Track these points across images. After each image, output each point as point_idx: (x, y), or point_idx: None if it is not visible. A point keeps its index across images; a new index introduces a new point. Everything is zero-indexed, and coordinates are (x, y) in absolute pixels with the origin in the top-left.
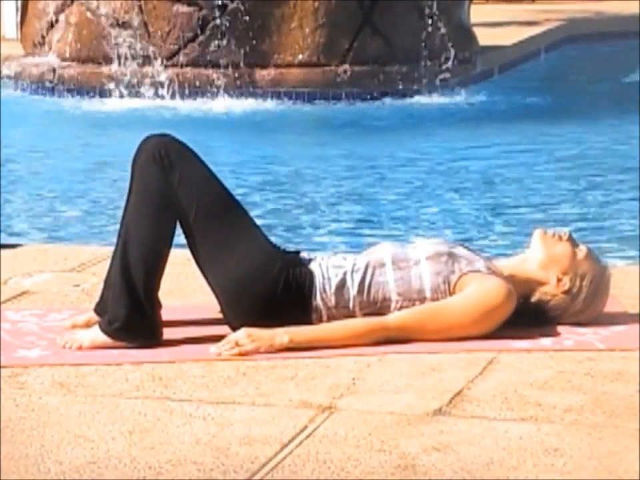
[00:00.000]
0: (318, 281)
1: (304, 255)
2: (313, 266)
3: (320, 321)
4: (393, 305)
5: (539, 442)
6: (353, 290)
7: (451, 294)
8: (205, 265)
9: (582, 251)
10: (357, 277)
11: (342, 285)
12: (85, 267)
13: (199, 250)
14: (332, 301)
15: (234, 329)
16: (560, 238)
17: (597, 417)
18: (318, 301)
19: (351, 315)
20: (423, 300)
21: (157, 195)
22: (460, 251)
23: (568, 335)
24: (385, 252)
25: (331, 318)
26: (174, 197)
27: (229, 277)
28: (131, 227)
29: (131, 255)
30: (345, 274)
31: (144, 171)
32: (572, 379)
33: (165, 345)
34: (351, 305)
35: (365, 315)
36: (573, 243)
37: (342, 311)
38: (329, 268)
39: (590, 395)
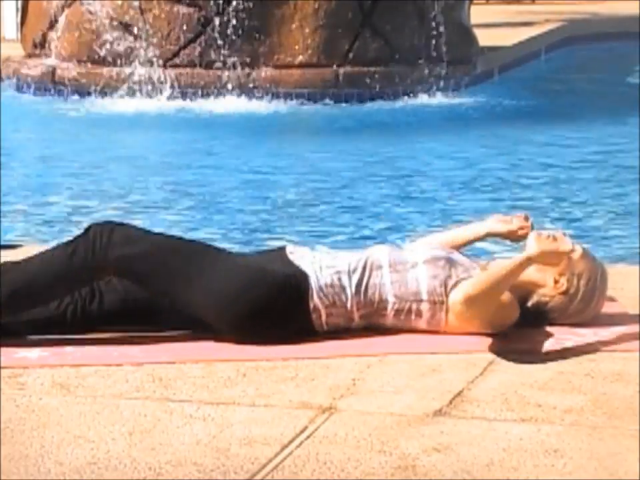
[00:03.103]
0: (313, 281)
1: (290, 248)
2: (305, 266)
3: (320, 319)
4: (389, 307)
5: (539, 443)
6: (350, 290)
7: (447, 297)
8: (184, 300)
9: (577, 251)
10: (355, 278)
11: (339, 284)
12: None
13: (175, 298)
14: (330, 299)
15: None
16: (555, 239)
17: (597, 418)
18: (315, 300)
19: (349, 315)
20: (419, 302)
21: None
22: (457, 256)
23: (568, 335)
24: (382, 254)
25: (329, 316)
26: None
27: (214, 297)
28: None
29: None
30: (340, 273)
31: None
32: (572, 379)
33: (165, 346)
34: (348, 304)
35: (362, 315)
36: None
37: (340, 310)
38: (322, 268)
39: (590, 396)
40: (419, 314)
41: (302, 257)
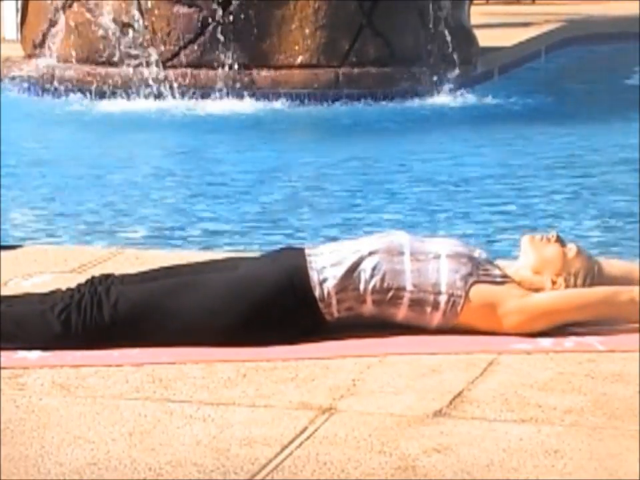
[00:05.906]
0: (315, 272)
1: (308, 250)
2: (317, 259)
3: (329, 307)
4: (405, 296)
5: (539, 443)
6: (365, 273)
7: (466, 293)
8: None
9: (571, 249)
10: (373, 260)
11: (355, 267)
12: (85, 268)
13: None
14: (342, 283)
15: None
16: (548, 240)
17: (597, 419)
18: (324, 288)
19: (362, 298)
20: (437, 294)
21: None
22: (479, 256)
23: (568, 336)
24: (404, 241)
25: (341, 302)
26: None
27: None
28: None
29: None
30: (360, 257)
31: None
32: (572, 380)
33: (165, 346)
34: (361, 287)
35: (375, 300)
36: (562, 243)
37: (352, 293)
38: (343, 253)
39: (590, 397)
40: (435, 306)
41: (319, 252)
